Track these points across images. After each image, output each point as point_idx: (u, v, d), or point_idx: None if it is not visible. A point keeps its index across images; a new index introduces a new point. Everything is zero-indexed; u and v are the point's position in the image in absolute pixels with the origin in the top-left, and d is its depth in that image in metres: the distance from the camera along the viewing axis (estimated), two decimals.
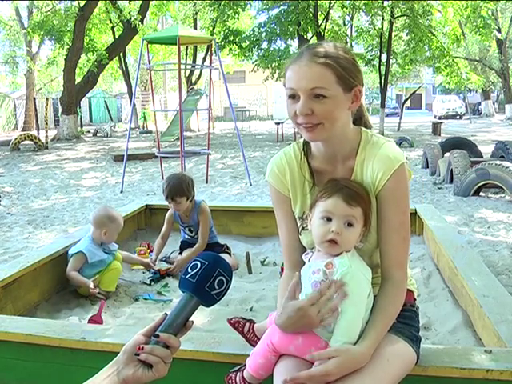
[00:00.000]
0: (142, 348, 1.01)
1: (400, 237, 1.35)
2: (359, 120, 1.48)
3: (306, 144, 1.46)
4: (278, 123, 15.51)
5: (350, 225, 1.30)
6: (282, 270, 3.01)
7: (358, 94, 1.32)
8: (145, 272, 3.21)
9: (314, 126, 1.29)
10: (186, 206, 3.23)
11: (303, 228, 1.43)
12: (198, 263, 1.09)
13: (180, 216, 3.34)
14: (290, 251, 1.48)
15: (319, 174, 1.44)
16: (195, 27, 20.99)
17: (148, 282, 3.00)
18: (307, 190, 1.44)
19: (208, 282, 1.08)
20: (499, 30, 23.59)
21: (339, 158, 1.41)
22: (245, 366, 1.43)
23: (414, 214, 3.63)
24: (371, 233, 1.37)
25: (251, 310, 2.53)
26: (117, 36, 18.82)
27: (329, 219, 1.31)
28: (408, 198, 1.39)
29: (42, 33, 17.41)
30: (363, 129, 1.43)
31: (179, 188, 3.16)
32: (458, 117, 29.83)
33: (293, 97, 1.30)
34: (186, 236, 3.41)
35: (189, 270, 1.09)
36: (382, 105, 17.88)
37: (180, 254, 3.35)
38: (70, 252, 2.82)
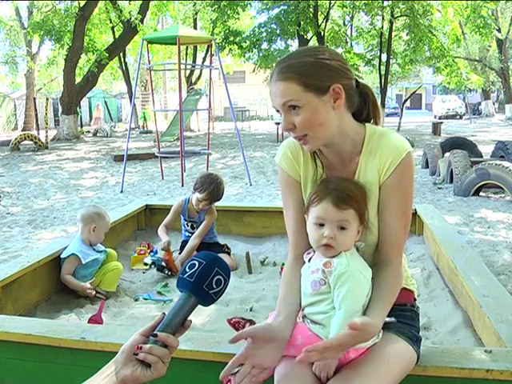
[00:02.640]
0: (141, 347, 1.01)
1: (401, 224, 1.36)
2: (360, 112, 1.43)
3: None
4: (277, 123, 15.49)
5: (343, 228, 1.30)
6: (282, 269, 3.01)
7: (338, 91, 1.29)
8: (145, 272, 3.21)
9: (303, 138, 1.32)
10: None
11: None
12: (196, 262, 1.10)
13: (189, 210, 3.36)
14: (296, 237, 1.45)
15: (329, 168, 1.44)
16: (195, 27, 21.01)
17: (149, 262, 3.04)
18: (317, 178, 1.44)
19: (206, 281, 1.08)
20: (499, 30, 23.57)
21: (345, 155, 1.40)
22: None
23: (413, 214, 3.62)
24: (374, 224, 1.37)
25: (251, 310, 2.52)
26: (117, 36, 18.82)
27: (321, 224, 1.31)
28: (413, 186, 1.39)
29: (42, 33, 17.41)
30: (367, 124, 1.42)
31: (220, 194, 3.28)
32: (457, 117, 29.79)
33: (279, 112, 1.34)
34: (187, 234, 3.41)
35: (186, 270, 1.09)
36: (382, 105, 17.90)
37: (180, 253, 3.35)
38: (62, 256, 2.80)
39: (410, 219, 1.39)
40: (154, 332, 1.04)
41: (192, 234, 3.35)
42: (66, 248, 2.85)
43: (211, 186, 3.20)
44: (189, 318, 1.09)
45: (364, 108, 1.44)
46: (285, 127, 1.32)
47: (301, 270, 1.40)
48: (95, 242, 2.91)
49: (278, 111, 1.35)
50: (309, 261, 1.37)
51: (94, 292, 2.71)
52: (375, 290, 1.29)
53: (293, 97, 1.27)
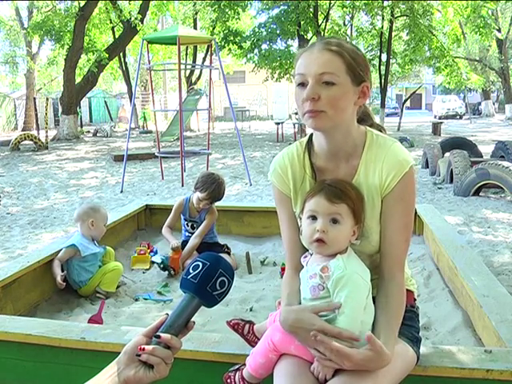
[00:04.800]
0: (143, 349, 1.01)
1: (403, 238, 1.36)
2: (363, 121, 1.48)
3: (309, 142, 1.46)
4: (277, 123, 15.51)
5: (335, 222, 1.29)
6: (282, 269, 3.01)
7: (365, 91, 1.33)
8: (145, 272, 3.21)
9: (318, 113, 1.28)
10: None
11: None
12: (200, 264, 1.09)
13: (190, 209, 3.36)
14: (291, 252, 1.47)
15: (321, 172, 1.43)
16: (195, 27, 21.00)
17: (159, 261, 3.06)
18: (307, 188, 1.43)
19: (210, 282, 1.08)
20: (499, 30, 23.57)
21: (342, 156, 1.40)
22: (243, 365, 1.43)
23: (413, 215, 3.62)
24: (373, 232, 1.37)
25: (251, 310, 2.52)
26: (117, 36, 18.82)
27: (314, 218, 1.31)
28: (414, 199, 1.39)
29: (41, 33, 17.41)
30: (368, 128, 1.43)
31: (221, 194, 3.29)
32: (457, 117, 29.79)
33: (302, 84, 1.30)
34: (187, 234, 3.41)
35: (190, 271, 1.09)
36: (382, 105, 17.91)
37: None
38: (63, 246, 2.82)
39: (411, 232, 1.40)
40: (157, 333, 1.04)
41: (192, 233, 3.35)
42: (62, 244, 2.86)
43: (212, 186, 3.20)
44: (191, 320, 1.08)
45: (367, 120, 1.49)
46: (309, 95, 1.26)
47: (296, 280, 1.38)
48: (97, 236, 2.93)
49: (299, 84, 1.30)
50: (306, 264, 1.37)
51: (64, 285, 2.68)
52: (381, 315, 1.28)
53: (335, 71, 1.26)
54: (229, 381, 1.43)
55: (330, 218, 1.29)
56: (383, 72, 18.09)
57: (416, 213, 3.61)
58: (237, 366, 1.46)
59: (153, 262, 3.16)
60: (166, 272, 3.11)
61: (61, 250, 2.82)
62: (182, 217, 3.42)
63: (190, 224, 3.40)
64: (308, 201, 1.34)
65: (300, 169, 1.44)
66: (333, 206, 1.29)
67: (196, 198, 3.27)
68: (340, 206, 1.29)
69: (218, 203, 3.41)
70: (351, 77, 1.28)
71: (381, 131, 1.49)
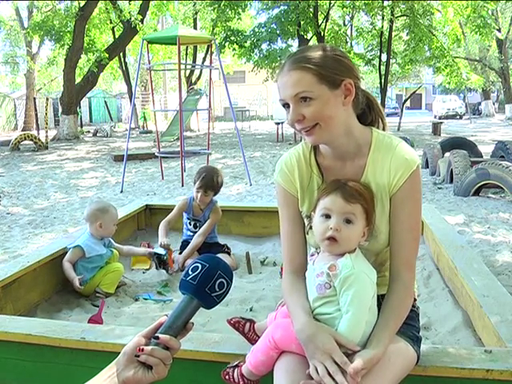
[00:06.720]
0: (142, 349, 1.01)
1: (412, 237, 1.36)
2: (365, 116, 1.45)
3: None
4: (277, 123, 15.50)
5: (348, 221, 1.29)
6: (282, 269, 3.01)
7: (349, 88, 1.31)
8: (145, 272, 3.21)
9: (311, 128, 1.31)
10: (209, 200, 3.31)
11: (311, 227, 1.41)
12: (199, 265, 1.09)
13: (193, 207, 3.36)
14: (292, 254, 1.46)
15: (328, 171, 1.44)
16: (195, 27, 21.00)
17: (163, 253, 3.04)
18: (315, 188, 1.43)
19: (208, 284, 1.08)
20: (499, 30, 23.58)
21: (347, 156, 1.41)
22: (242, 362, 1.43)
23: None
24: (382, 232, 1.37)
25: (251, 309, 2.53)
26: (117, 36, 18.82)
27: (328, 216, 1.31)
28: (421, 198, 1.40)
29: (42, 33, 17.42)
30: (374, 128, 1.43)
31: (214, 182, 3.27)
32: (457, 117, 29.80)
33: (287, 106, 1.33)
34: (189, 233, 3.41)
35: (189, 272, 1.09)
36: (382, 105, 17.90)
37: (180, 253, 3.35)
38: (69, 246, 2.83)
39: (419, 232, 1.40)
40: (156, 334, 1.04)
41: (194, 233, 3.35)
42: (70, 244, 2.86)
43: (203, 174, 3.25)
44: (190, 321, 1.09)
45: (369, 113, 1.46)
46: (294, 119, 1.31)
47: (300, 283, 1.38)
48: (107, 236, 2.94)
49: (284, 105, 1.33)
50: (313, 263, 1.37)
51: (82, 287, 2.71)
52: (382, 311, 1.29)
53: (306, 88, 1.27)
54: (227, 377, 1.43)
55: (344, 217, 1.29)
56: (383, 72, 18.10)
57: None
58: (235, 363, 1.47)
59: (155, 254, 3.08)
60: (163, 271, 3.11)
61: (65, 248, 2.83)
62: (185, 215, 3.42)
63: (192, 223, 3.39)
64: (322, 198, 1.33)
65: (307, 168, 1.45)
66: (348, 206, 1.29)
67: (194, 191, 3.28)
68: (355, 206, 1.30)
69: (218, 203, 3.41)
70: (326, 84, 1.28)
71: (384, 124, 1.48)
